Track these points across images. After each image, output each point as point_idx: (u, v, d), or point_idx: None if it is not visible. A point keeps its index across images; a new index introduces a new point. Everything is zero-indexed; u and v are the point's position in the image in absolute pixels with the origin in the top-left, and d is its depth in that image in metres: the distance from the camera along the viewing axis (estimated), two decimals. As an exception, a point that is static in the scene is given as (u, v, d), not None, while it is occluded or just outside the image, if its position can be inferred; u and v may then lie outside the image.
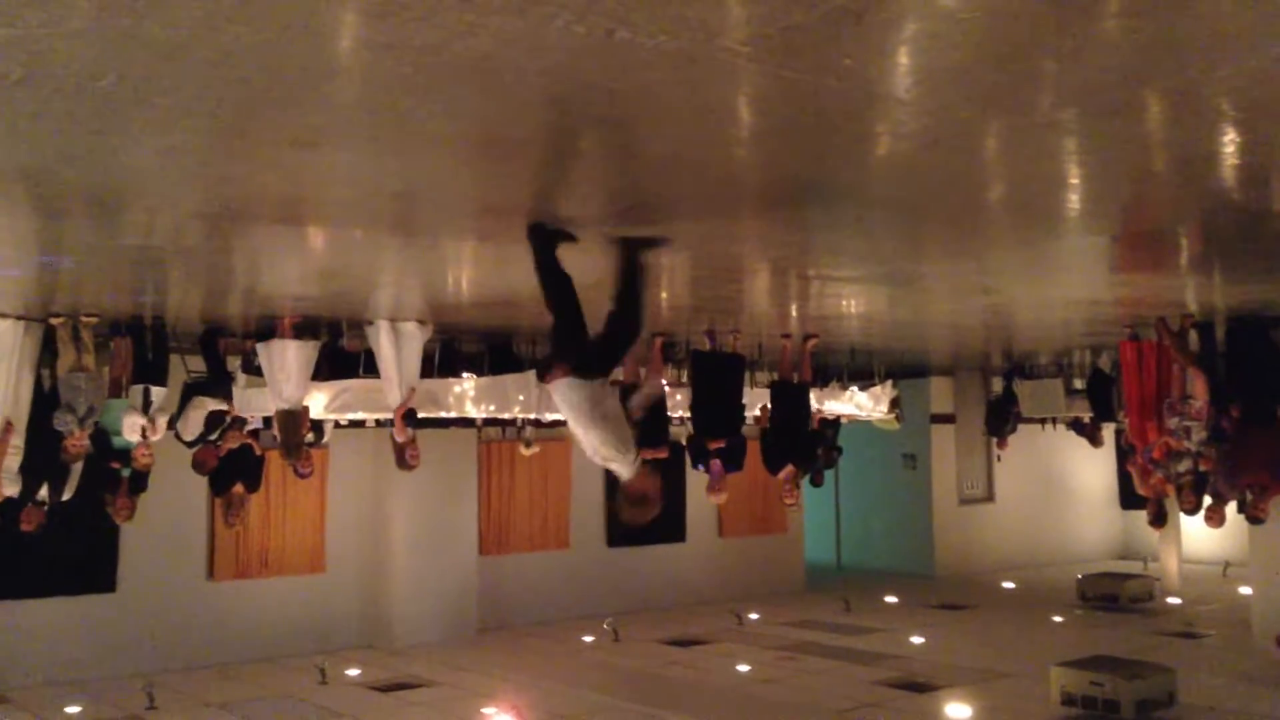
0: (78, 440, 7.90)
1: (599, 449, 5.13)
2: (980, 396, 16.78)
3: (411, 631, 12.50)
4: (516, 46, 2.88)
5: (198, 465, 9.01)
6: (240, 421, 9.12)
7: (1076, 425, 14.82)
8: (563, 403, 5.17)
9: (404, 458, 8.79)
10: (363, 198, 4.77)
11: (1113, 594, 14.37)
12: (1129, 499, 17.80)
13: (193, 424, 8.87)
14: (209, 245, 5.89)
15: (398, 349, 8.58)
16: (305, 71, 3.08)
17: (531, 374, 10.04)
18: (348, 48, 2.96)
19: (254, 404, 8.88)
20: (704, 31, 2.79)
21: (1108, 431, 15.23)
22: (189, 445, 8.97)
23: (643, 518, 5.39)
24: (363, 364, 9.21)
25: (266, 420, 9.01)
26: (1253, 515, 8.26)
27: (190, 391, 9.00)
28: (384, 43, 2.85)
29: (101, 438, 8.28)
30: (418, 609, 12.58)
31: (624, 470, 5.20)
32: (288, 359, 8.33)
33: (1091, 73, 3.19)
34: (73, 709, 9.77)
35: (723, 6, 2.68)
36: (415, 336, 8.69)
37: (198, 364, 9.36)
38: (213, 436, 8.95)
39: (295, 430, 8.48)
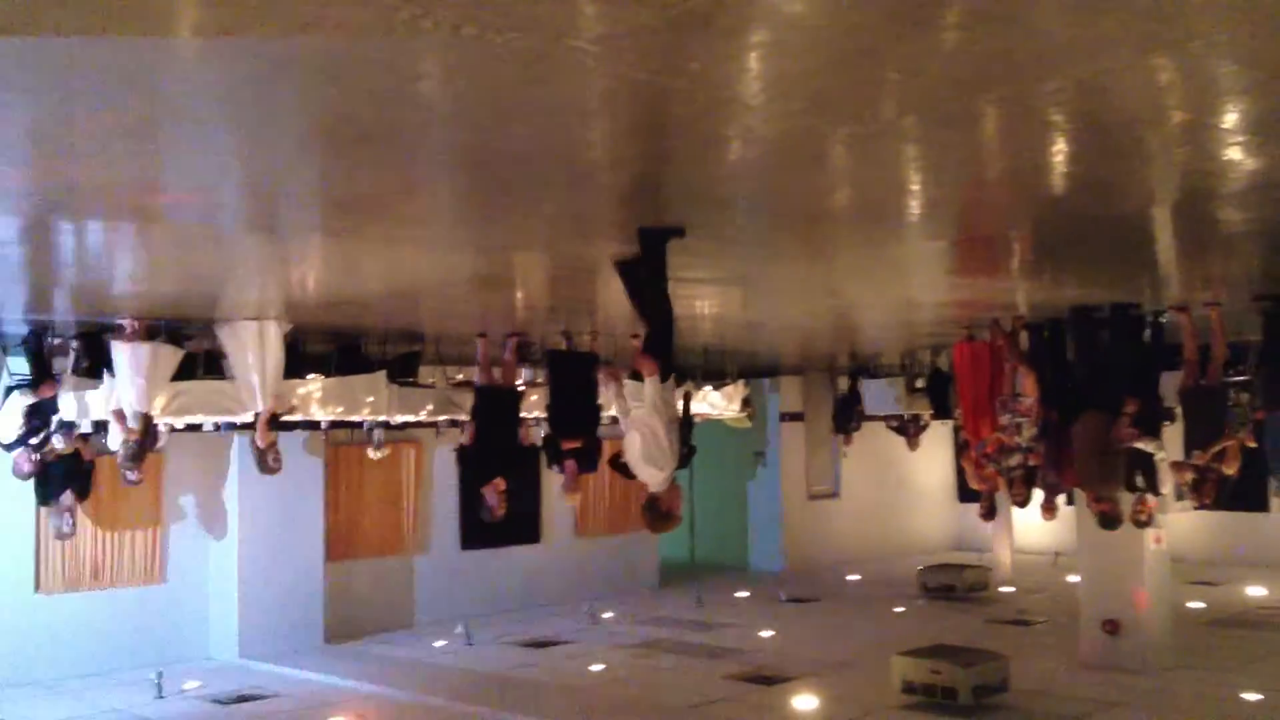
0: None
1: (650, 453, 5.08)
2: (827, 395, 17.26)
3: (255, 641, 12.08)
4: (359, 39, 2.80)
5: (15, 470, 8.57)
6: (69, 425, 8.67)
7: (899, 425, 15.44)
8: (638, 399, 5.16)
9: (266, 462, 8.51)
10: (202, 191, 4.59)
11: (951, 584, 14.91)
12: (965, 492, 18.53)
13: (11, 426, 8.39)
14: (29, 240, 5.57)
15: (261, 351, 8.23)
16: (137, 60, 2.93)
17: (381, 375, 9.80)
18: (183, 37, 2.83)
19: (83, 407, 8.44)
20: (553, 29, 2.77)
21: (946, 428, 15.84)
22: (8, 449, 8.50)
23: (664, 529, 5.54)
24: (202, 364, 8.84)
25: (96, 424, 8.58)
26: (1134, 518, 8.49)
27: (10, 394, 8.54)
28: (222, 32, 2.73)
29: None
30: (261, 617, 12.16)
31: (660, 482, 5.19)
32: (148, 362, 7.91)
33: (930, 82, 3.29)
34: (-119, 734, 9.13)
35: (572, 5, 2.66)
36: (276, 336, 8.33)
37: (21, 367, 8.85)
38: (34, 441, 8.50)
39: (148, 435, 8.11)
